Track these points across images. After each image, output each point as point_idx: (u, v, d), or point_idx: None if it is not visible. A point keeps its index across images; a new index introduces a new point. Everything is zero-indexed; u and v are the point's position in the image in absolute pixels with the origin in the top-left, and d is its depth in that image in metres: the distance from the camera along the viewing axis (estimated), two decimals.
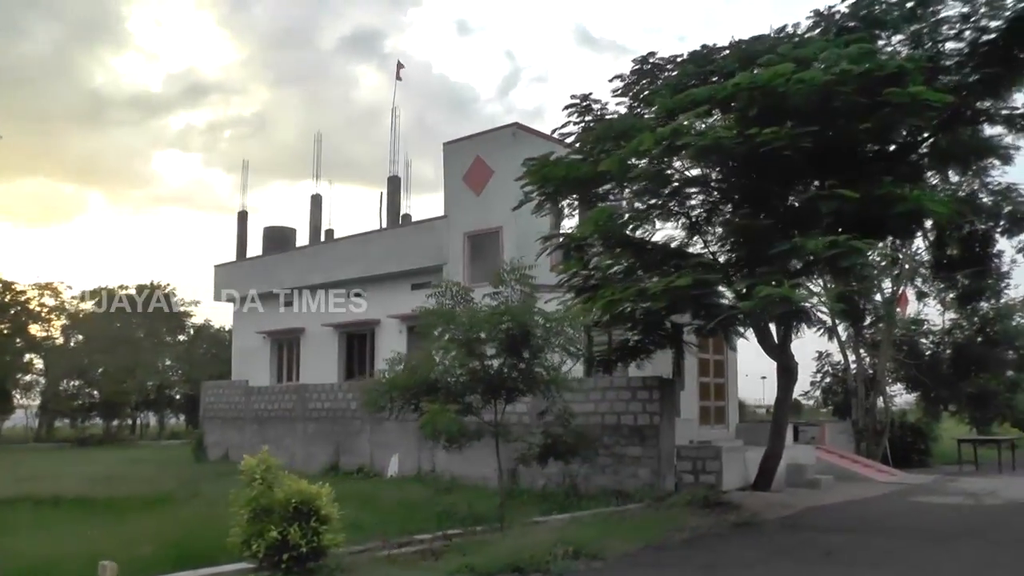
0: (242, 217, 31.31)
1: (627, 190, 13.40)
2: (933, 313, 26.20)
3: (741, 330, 13.90)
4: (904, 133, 12.26)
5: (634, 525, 11.37)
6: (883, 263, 12.74)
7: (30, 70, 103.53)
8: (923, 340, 26.45)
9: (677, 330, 15.01)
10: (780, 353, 14.37)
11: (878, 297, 22.77)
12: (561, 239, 15.25)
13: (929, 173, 14.05)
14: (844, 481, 18.33)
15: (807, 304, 10.81)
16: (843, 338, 23.81)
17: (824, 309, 13.52)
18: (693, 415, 18.62)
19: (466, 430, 11.04)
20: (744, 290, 10.80)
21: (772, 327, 14.48)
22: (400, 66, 28.91)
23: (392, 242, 24.81)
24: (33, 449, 36.82)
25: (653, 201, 13.03)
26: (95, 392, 44.96)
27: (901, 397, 25.82)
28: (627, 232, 13.22)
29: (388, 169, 26.41)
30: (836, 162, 11.43)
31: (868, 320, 23.36)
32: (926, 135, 12.63)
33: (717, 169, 12.81)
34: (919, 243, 21.78)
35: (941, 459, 24.12)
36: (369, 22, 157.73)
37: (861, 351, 23.20)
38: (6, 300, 44.76)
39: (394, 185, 25.35)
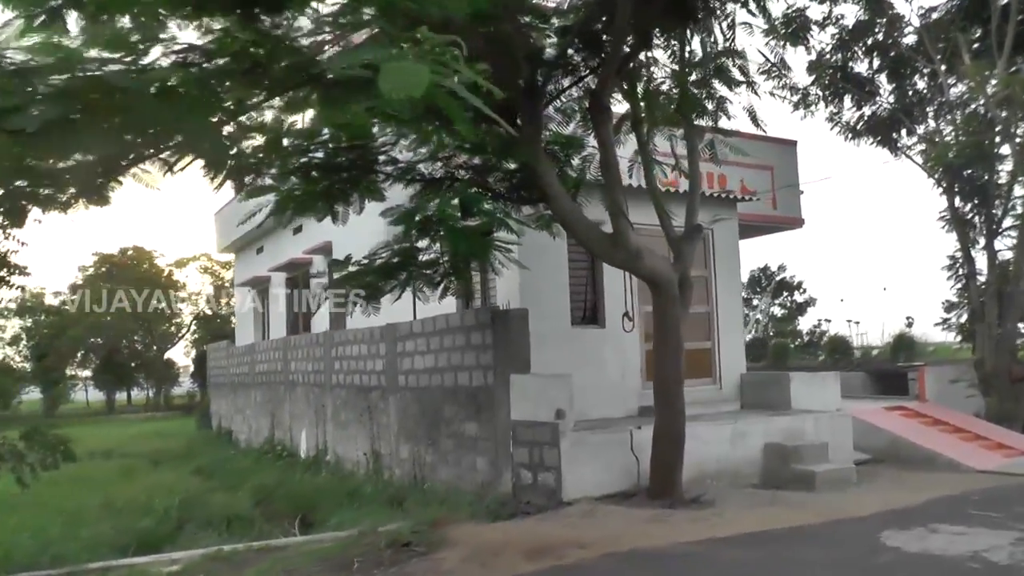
0: None
1: None
2: None
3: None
4: None
5: None
6: None
7: None
8: None
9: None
10: (614, 247, 7.30)
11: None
12: None
13: None
14: (904, 469, 10.61)
15: None
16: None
17: None
18: (635, 368, 11.58)
19: None
20: None
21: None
22: None
23: None
24: (108, 420, 36.43)
25: None
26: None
27: None
28: None
29: None
30: None
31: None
32: None
33: None
34: None
35: None
36: None
37: (995, 247, 14.08)
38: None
39: None
